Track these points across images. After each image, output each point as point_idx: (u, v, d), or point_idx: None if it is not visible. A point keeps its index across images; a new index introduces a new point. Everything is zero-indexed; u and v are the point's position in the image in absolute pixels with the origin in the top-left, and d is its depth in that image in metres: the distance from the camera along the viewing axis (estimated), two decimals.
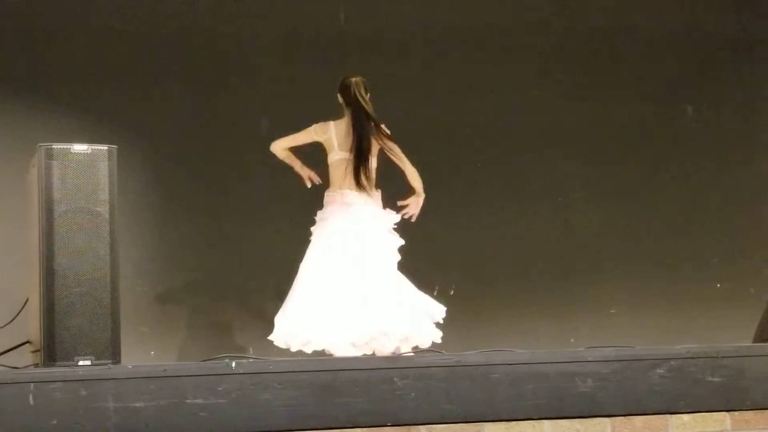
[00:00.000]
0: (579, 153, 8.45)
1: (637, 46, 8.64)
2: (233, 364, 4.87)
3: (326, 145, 6.57)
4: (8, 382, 4.63)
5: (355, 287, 6.28)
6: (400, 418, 4.98)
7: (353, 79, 6.58)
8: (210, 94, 7.95)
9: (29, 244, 5.33)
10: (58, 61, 7.75)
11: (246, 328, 7.80)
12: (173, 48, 7.97)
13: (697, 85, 8.69)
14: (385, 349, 6.18)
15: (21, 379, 4.65)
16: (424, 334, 6.32)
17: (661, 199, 8.51)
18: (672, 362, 5.27)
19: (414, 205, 6.59)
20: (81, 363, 4.91)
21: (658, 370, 5.25)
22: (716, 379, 5.29)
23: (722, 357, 5.32)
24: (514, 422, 5.09)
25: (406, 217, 6.55)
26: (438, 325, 6.37)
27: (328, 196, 6.55)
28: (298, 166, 6.69)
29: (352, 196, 6.49)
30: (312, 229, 6.54)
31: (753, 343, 6.51)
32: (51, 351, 4.93)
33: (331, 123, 6.58)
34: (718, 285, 8.47)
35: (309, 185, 6.65)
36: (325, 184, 6.58)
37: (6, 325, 5.55)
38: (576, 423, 5.14)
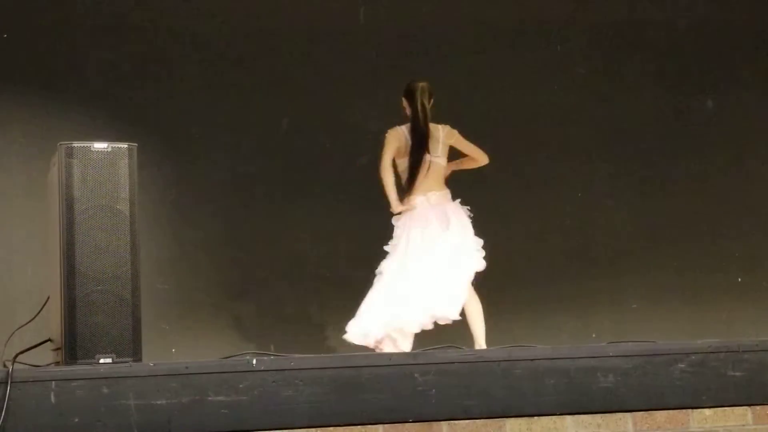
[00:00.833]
0: (600, 148, 8.42)
1: (658, 41, 8.61)
2: (254, 361, 4.88)
3: (400, 151, 6.54)
4: (30, 380, 4.65)
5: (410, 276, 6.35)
6: (422, 414, 4.98)
7: (420, 84, 6.55)
8: (231, 92, 7.95)
9: (50, 243, 5.34)
10: (77, 59, 7.76)
11: (267, 325, 7.80)
12: (194, 46, 7.98)
13: (718, 78, 8.65)
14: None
15: (43, 377, 4.67)
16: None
17: (681, 194, 8.48)
18: (693, 357, 5.26)
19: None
20: (102, 361, 4.90)
21: (680, 365, 5.23)
22: (738, 374, 5.28)
23: (744, 351, 5.31)
24: (535, 417, 5.09)
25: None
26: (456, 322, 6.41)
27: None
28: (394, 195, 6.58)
29: (417, 199, 6.49)
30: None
31: None
32: (72, 349, 4.92)
33: (403, 128, 6.54)
34: (739, 279, 8.43)
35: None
36: (399, 191, 6.57)
37: (27, 323, 5.56)
38: (597, 418, 5.14)
